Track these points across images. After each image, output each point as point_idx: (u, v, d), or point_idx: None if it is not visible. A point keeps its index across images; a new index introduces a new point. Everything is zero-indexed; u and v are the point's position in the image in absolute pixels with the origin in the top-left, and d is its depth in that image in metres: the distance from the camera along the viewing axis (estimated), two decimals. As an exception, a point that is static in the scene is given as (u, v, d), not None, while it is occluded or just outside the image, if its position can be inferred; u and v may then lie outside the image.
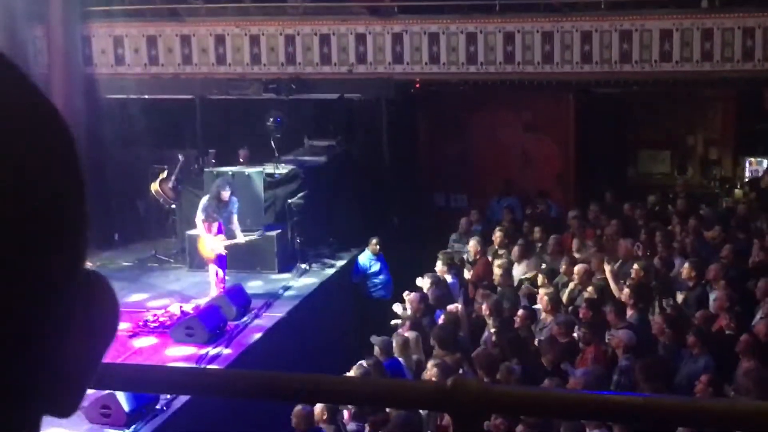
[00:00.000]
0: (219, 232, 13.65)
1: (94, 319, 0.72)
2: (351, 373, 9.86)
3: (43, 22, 16.62)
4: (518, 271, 13.73)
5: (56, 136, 0.71)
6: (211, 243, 13.55)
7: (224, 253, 13.64)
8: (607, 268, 12.71)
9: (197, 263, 14.52)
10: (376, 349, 11.18)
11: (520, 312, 11.78)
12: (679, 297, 12.18)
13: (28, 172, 0.67)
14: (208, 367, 10.88)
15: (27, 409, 0.68)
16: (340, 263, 15.61)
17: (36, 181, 0.67)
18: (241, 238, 13.79)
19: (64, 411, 0.73)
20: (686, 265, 12.33)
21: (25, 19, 15.41)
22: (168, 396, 10.10)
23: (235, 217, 13.78)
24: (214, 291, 13.60)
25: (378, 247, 15.25)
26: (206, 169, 15.70)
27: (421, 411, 9.51)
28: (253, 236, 14.06)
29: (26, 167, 0.67)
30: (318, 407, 9.57)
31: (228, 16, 17.78)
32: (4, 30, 15.01)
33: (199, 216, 13.62)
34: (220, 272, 13.70)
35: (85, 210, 0.72)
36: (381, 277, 15.25)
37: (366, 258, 15.30)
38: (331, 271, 15.32)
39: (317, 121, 17.41)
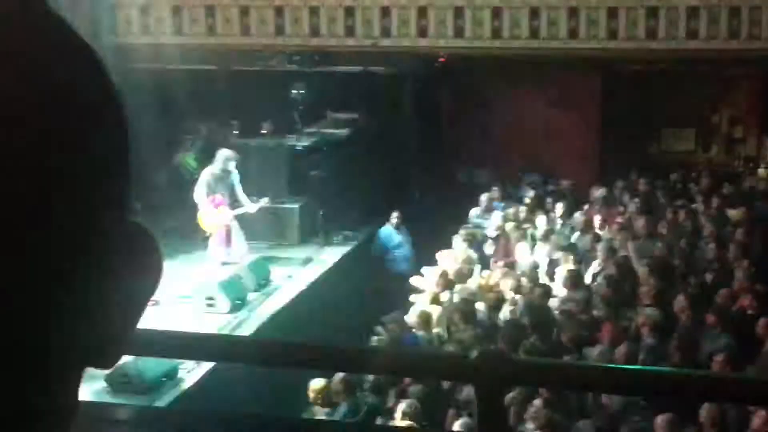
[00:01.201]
0: (221, 204, 13.67)
1: (138, 269, 0.70)
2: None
3: (68, -10, 16.62)
4: (541, 249, 13.69)
5: (83, 56, 0.70)
6: (214, 217, 13.56)
7: (229, 226, 13.65)
8: (630, 246, 12.67)
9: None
10: (395, 323, 11.20)
11: (538, 289, 11.78)
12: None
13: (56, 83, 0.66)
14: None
15: (66, 358, 0.67)
16: (362, 236, 15.62)
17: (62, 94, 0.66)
18: (251, 206, 13.81)
19: (105, 361, 0.71)
20: (710, 245, 12.28)
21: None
22: (188, 366, 10.16)
23: (239, 188, 13.82)
24: (215, 262, 13.61)
25: (399, 221, 15.25)
26: (229, 141, 15.71)
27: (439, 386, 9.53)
28: (263, 204, 14.03)
29: (54, 78, 0.66)
30: (336, 381, 9.60)
31: (253, -13, 17.72)
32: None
33: (202, 191, 13.57)
34: (221, 248, 13.71)
35: (125, 143, 0.71)
36: (402, 251, 15.25)
37: (387, 232, 15.30)
38: (352, 244, 15.33)
39: (341, 94, 17.36)
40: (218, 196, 13.58)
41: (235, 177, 13.79)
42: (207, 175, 13.66)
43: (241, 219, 14.04)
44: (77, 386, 0.70)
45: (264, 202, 14.01)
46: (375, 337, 10.97)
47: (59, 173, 0.64)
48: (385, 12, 17.19)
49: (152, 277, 0.72)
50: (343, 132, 16.70)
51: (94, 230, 0.67)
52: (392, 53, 17.18)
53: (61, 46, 0.69)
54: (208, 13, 17.80)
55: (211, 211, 13.56)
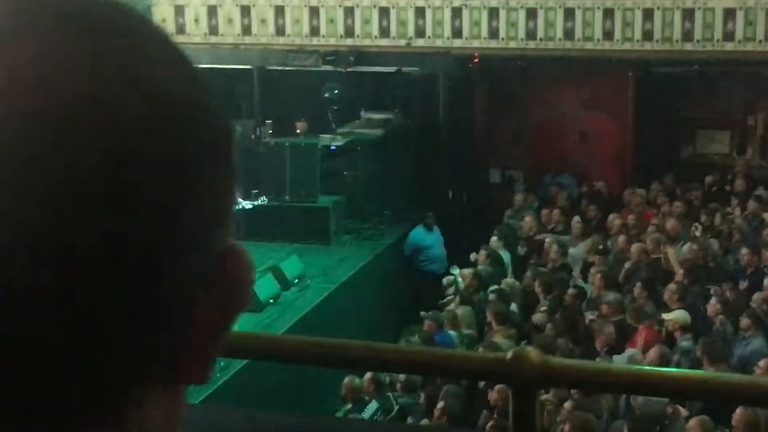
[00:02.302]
0: None
1: (229, 290, 0.69)
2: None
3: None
4: (576, 250, 13.64)
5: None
6: None
7: None
8: (670, 250, 12.58)
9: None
10: (427, 322, 11.20)
11: (570, 290, 11.74)
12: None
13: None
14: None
15: (145, 370, 0.65)
16: (394, 236, 15.63)
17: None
18: (245, 203, 14.02)
19: (190, 377, 0.69)
20: (744, 249, 12.21)
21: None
22: (222, 362, 10.19)
23: None
24: None
25: (432, 221, 15.25)
26: (263, 140, 15.77)
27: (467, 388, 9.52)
28: (259, 202, 14.25)
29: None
30: (366, 379, 9.62)
31: (288, -13, 17.77)
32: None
33: None
34: None
35: (227, 160, 0.70)
36: (434, 251, 15.24)
37: (420, 232, 15.31)
38: (384, 244, 15.33)
39: (374, 94, 17.38)
40: None
41: None
42: None
43: (270, 217, 14.20)
44: (170, 405, 0.69)
45: (261, 200, 14.25)
46: (408, 336, 10.98)
47: (163, 187, 0.63)
48: (420, 12, 17.20)
49: (243, 300, 0.71)
50: (377, 132, 16.70)
51: (193, 247, 0.65)
52: (426, 53, 17.18)
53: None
54: (243, 12, 17.87)
55: None
